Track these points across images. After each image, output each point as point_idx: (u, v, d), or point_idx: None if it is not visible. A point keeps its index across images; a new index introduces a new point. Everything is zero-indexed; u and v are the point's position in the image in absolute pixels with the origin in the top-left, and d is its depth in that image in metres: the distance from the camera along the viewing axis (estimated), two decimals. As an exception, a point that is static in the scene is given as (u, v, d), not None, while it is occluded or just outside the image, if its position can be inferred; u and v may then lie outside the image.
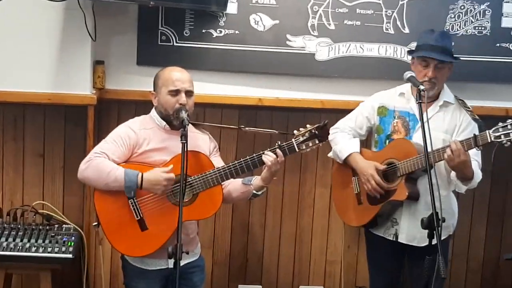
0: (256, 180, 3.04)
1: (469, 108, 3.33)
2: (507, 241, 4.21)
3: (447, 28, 3.81)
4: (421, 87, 2.96)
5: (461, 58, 3.46)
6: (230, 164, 2.96)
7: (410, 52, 3.41)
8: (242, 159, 2.95)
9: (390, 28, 3.79)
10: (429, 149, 2.86)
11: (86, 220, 3.71)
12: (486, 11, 3.83)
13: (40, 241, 3.43)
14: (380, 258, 3.47)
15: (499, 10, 3.84)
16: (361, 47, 3.79)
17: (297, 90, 3.85)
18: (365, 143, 3.55)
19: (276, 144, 2.94)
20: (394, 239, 3.33)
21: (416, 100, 2.98)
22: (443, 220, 2.68)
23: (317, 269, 4.14)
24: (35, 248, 3.38)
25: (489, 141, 2.97)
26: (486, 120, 3.25)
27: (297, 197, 4.07)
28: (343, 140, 3.40)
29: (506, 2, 3.83)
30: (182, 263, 2.68)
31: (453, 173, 3.16)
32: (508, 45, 3.86)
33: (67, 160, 3.79)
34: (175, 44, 3.69)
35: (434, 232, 2.68)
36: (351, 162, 3.35)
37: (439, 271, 2.58)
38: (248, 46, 3.72)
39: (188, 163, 2.76)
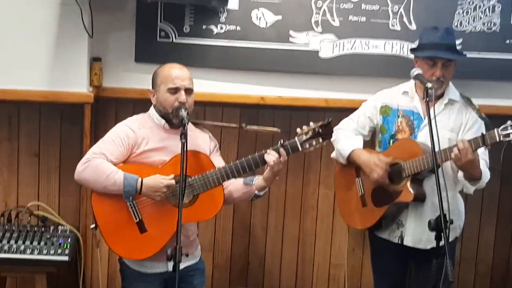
0: (258, 180, 3.03)
1: (475, 105, 3.33)
2: (517, 244, 4.22)
3: (455, 24, 3.80)
4: (429, 84, 2.95)
5: (470, 56, 3.46)
6: (231, 163, 2.95)
7: (413, 50, 3.38)
8: (243, 158, 2.94)
9: (396, 24, 3.78)
10: (436, 149, 2.86)
11: (82, 221, 3.71)
12: (496, 7, 3.83)
13: (35, 243, 3.42)
14: (385, 261, 3.47)
15: (509, 6, 3.83)
16: (366, 44, 3.79)
17: (300, 88, 3.85)
18: (370, 144, 3.54)
19: (279, 143, 2.94)
20: (399, 242, 3.33)
21: (424, 98, 2.97)
22: (451, 222, 2.68)
23: (320, 272, 4.14)
24: (30, 250, 3.37)
25: (498, 140, 2.96)
26: (494, 119, 3.25)
27: (300, 198, 4.07)
28: (346, 139, 3.40)
29: (517, -3, 3.83)
30: (182, 266, 2.67)
31: (460, 173, 3.15)
32: (518, 42, 3.86)
33: (63, 160, 3.79)
34: (174, 40, 3.69)
35: (442, 234, 2.67)
36: (354, 159, 3.35)
37: (447, 274, 2.57)
38: (250, 42, 3.72)
39: (188, 163, 2.75)
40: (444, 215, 2.67)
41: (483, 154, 3.16)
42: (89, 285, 3.87)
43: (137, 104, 3.55)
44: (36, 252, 3.37)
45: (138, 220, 2.93)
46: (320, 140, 2.92)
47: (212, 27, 3.70)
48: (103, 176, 2.87)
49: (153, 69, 3.12)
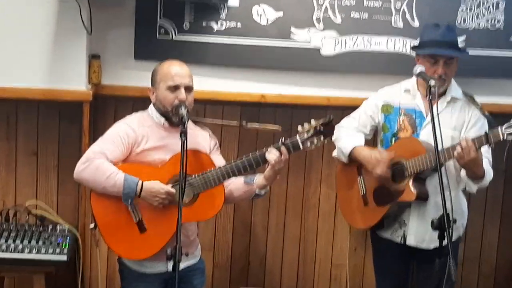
0: (259, 179, 3.03)
1: (478, 103, 3.33)
2: (521, 244, 4.22)
3: (459, 21, 3.80)
4: (432, 82, 2.95)
5: (473, 53, 3.46)
6: (232, 162, 2.95)
7: (414, 48, 3.38)
8: (244, 157, 2.94)
9: (399, 21, 3.78)
10: (439, 147, 2.85)
11: (81, 220, 3.71)
12: (500, 4, 3.82)
13: (33, 242, 3.42)
14: (387, 261, 3.47)
15: (513, 3, 3.83)
16: (368, 41, 3.78)
17: (301, 86, 3.84)
18: (372, 143, 3.54)
19: (280, 141, 2.94)
20: (402, 242, 3.33)
21: (426, 96, 2.97)
22: (454, 221, 2.67)
23: (322, 272, 4.14)
24: (28, 249, 3.38)
25: (502, 139, 2.96)
26: (497, 117, 3.25)
27: (302, 197, 4.07)
28: (347, 137, 3.40)
29: (521, -6, 3.82)
30: (182, 266, 2.67)
31: (463, 172, 3.15)
32: (523, 39, 3.85)
33: (61, 158, 3.79)
34: (174, 37, 3.69)
35: (445, 233, 2.67)
36: (356, 155, 3.35)
37: (450, 275, 2.57)
38: (251, 39, 3.72)
39: (188, 162, 2.75)
40: (447, 215, 2.67)
41: (486, 152, 3.16)
42: (88, 285, 3.87)
43: (136, 102, 3.54)
44: (34, 251, 3.37)
45: (138, 220, 2.93)
46: (322, 138, 2.93)
47: (213, 24, 3.69)
48: (103, 177, 2.87)
49: (152, 66, 3.12)
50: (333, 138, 3.30)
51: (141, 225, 2.93)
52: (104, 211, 2.94)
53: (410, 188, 3.20)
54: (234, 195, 3.09)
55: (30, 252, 3.37)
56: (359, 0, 3.74)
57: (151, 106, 3.08)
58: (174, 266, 2.51)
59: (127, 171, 2.90)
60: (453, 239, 2.80)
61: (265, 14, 3.70)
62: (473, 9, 3.81)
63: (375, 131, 3.49)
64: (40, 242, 3.43)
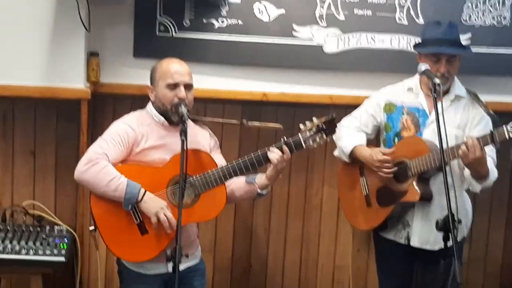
0: (261, 179, 3.04)
1: (482, 101, 3.33)
2: (528, 245, 4.22)
3: (464, 18, 3.81)
4: (437, 80, 2.96)
5: (479, 51, 3.46)
6: (234, 162, 2.96)
7: (416, 46, 3.38)
8: (246, 156, 2.95)
9: (403, 18, 3.79)
10: (444, 146, 2.86)
11: (79, 221, 3.72)
12: (506, 0, 3.83)
13: (30, 243, 3.43)
14: (390, 263, 3.48)
15: (520, -1, 3.84)
16: (372, 39, 3.79)
17: (304, 84, 3.85)
18: (375, 143, 3.55)
19: (282, 139, 2.95)
20: (405, 243, 3.34)
21: (431, 94, 2.97)
22: (459, 222, 2.68)
23: (324, 274, 4.14)
24: (25, 250, 3.38)
25: (507, 137, 2.97)
26: (503, 116, 3.26)
27: (304, 198, 4.08)
28: (348, 136, 3.41)
29: (528, -9, 3.83)
30: (182, 267, 2.68)
31: (467, 172, 3.16)
32: (530, 36, 3.86)
33: (59, 158, 3.79)
34: (174, 35, 3.70)
35: (450, 234, 2.67)
36: (357, 155, 3.36)
37: (455, 276, 2.58)
38: (252, 37, 3.73)
39: (189, 162, 2.76)
40: (452, 215, 2.67)
41: (490, 151, 3.17)
42: (86, 286, 3.87)
43: (135, 100, 3.55)
44: (31, 252, 3.38)
45: (138, 221, 2.93)
46: (324, 136, 2.93)
47: (213, 21, 3.70)
48: (105, 181, 2.86)
49: (152, 64, 3.12)
50: (334, 137, 3.31)
51: (142, 227, 2.93)
52: (104, 213, 2.94)
53: (414, 188, 3.21)
54: (235, 194, 3.10)
55: (27, 253, 3.37)
56: (362, -3, 3.76)
57: (149, 105, 3.08)
58: (174, 267, 2.52)
59: (127, 172, 2.91)
60: (458, 239, 2.79)
61: (266, 11, 3.71)
62: (478, 6, 3.82)
63: (377, 130, 3.50)
64: (38, 243, 3.43)
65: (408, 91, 3.37)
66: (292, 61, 3.78)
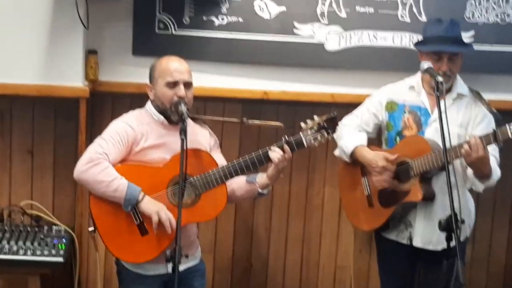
0: (261, 178, 3.04)
1: (485, 99, 3.33)
2: (532, 245, 4.22)
3: (467, 15, 3.80)
4: (439, 78, 2.95)
5: (482, 48, 3.46)
6: (235, 161, 2.96)
7: (417, 45, 3.38)
8: (247, 156, 2.95)
9: (405, 15, 3.78)
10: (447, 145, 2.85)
11: (78, 221, 3.71)
12: (510, -3, 3.83)
13: (28, 243, 3.42)
14: (392, 263, 3.48)
15: (524, -3, 3.84)
16: (374, 36, 3.79)
17: (305, 83, 3.85)
18: (377, 142, 3.54)
19: (283, 138, 2.94)
20: (407, 243, 3.34)
21: (434, 92, 2.96)
22: (463, 222, 2.68)
23: (326, 275, 4.14)
24: (23, 251, 3.38)
25: (510, 136, 2.97)
26: (506, 114, 3.26)
27: (305, 197, 4.07)
28: (348, 135, 3.40)
29: (533, -13, 3.83)
30: (182, 267, 2.68)
31: (469, 171, 3.15)
32: (534, 34, 3.85)
33: (57, 157, 3.79)
34: (174, 32, 3.69)
35: (453, 234, 2.67)
36: (358, 157, 3.35)
37: (458, 276, 2.57)
38: (253, 34, 3.72)
39: (189, 162, 2.76)
40: (456, 214, 2.67)
41: (493, 150, 3.16)
42: (85, 287, 3.88)
43: (134, 99, 3.55)
44: (29, 253, 3.37)
45: (138, 222, 2.93)
46: (325, 134, 2.93)
47: (213, 18, 3.70)
48: (105, 182, 2.86)
49: (151, 62, 3.12)
50: (335, 136, 3.31)
51: (142, 228, 2.94)
52: (104, 214, 2.94)
53: (417, 188, 3.21)
54: (236, 194, 3.10)
55: (25, 253, 3.37)
56: (364, -6, 3.76)
57: (148, 103, 3.08)
58: (173, 268, 2.52)
59: (126, 172, 2.91)
60: (461, 239, 2.79)
61: (267, 9, 3.71)
62: (482, 3, 3.81)
63: (378, 129, 3.49)
64: (36, 243, 3.43)
65: (409, 90, 3.37)
66: (293, 59, 3.77)
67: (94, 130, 3.53)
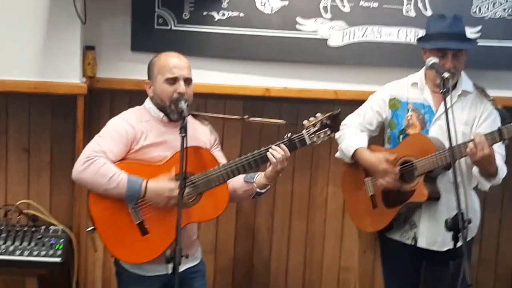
0: (260, 178, 3.03)
1: (490, 96, 3.32)
2: (540, 245, 4.21)
3: (474, 10, 3.79)
4: (445, 74, 2.94)
5: (489, 44, 3.44)
6: (237, 160, 2.95)
7: (421, 41, 3.37)
8: (249, 154, 2.95)
9: (410, 10, 3.77)
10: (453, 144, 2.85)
11: (75, 221, 3.71)
12: (518, -8, 3.82)
13: (25, 243, 3.43)
14: (396, 263, 3.49)
15: (532, -9, 3.82)
16: (378, 32, 3.78)
17: (308, 79, 3.84)
18: (380, 141, 3.54)
19: (286, 136, 2.93)
20: (412, 244, 3.33)
21: (440, 89, 2.95)
22: (469, 221, 2.67)
23: (329, 276, 4.14)
24: (20, 251, 3.39)
25: (516, 134, 2.97)
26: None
27: (308, 197, 4.07)
28: (349, 136, 3.39)
29: (541, -19, 3.81)
30: (182, 268, 2.68)
31: (475, 170, 3.15)
32: (542, 29, 3.84)
33: (54, 155, 3.79)
34: (173, 27, 3.69)
35: (459, 234, 2.66)
36: (359, 159, 3.35)
37: (465, 277, 2.56)
38: (254, 30, 3.72)
39: (190, 160, 2.76)
40: (462, 214, 2.66)
41: (499, 148, 3.16)
42: (83, 288, 3.89)
43: (133, 96, 3.54)
44: (26, 253, 3.38)
45: (139, 222, 2.93)
46: (329, 132, 2.92)
47: (214, 13, 3.69)
48: (105, 178, 2.86)
49: (150, 58, 3.12)
50: (336, 136, 3.30)
51: (142, 227, 2.94)
52: (103, 213, 2.94)
53: (421, 188, 3.20)
54: (236, 192, 3.09)
55: (22, 253, 3.38)
56: (368, -12, 3.75)
57: (147, 101, 3.08)
58: (173, 269, 2.51)
59: (127, 170, 2.90)
60: (467, 239, 2.78)
61: (269, 3, 3.70)
62: (488, -2, 3.81)
63: (382, 127, 3.49)
64: (33, 243, 3.44)
65: (412, 86, 3.37)
66: (295, 55, 3.76)
67: (92, 128, 3.53)
